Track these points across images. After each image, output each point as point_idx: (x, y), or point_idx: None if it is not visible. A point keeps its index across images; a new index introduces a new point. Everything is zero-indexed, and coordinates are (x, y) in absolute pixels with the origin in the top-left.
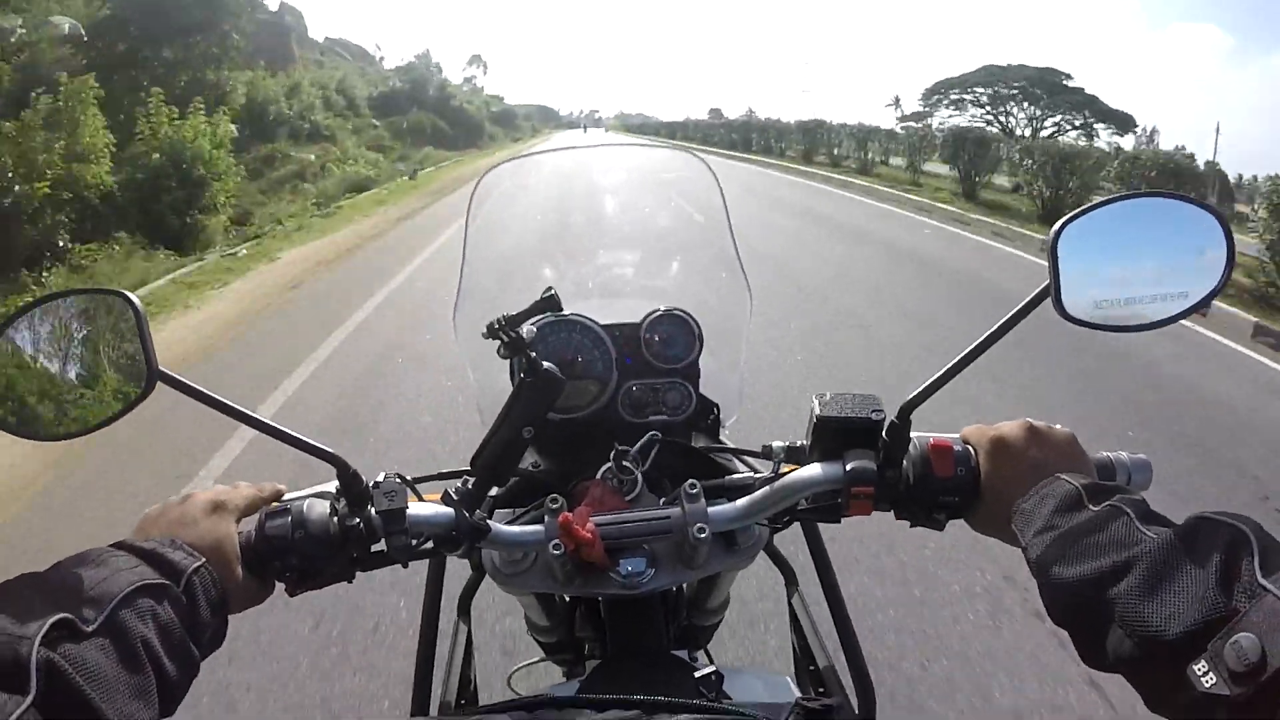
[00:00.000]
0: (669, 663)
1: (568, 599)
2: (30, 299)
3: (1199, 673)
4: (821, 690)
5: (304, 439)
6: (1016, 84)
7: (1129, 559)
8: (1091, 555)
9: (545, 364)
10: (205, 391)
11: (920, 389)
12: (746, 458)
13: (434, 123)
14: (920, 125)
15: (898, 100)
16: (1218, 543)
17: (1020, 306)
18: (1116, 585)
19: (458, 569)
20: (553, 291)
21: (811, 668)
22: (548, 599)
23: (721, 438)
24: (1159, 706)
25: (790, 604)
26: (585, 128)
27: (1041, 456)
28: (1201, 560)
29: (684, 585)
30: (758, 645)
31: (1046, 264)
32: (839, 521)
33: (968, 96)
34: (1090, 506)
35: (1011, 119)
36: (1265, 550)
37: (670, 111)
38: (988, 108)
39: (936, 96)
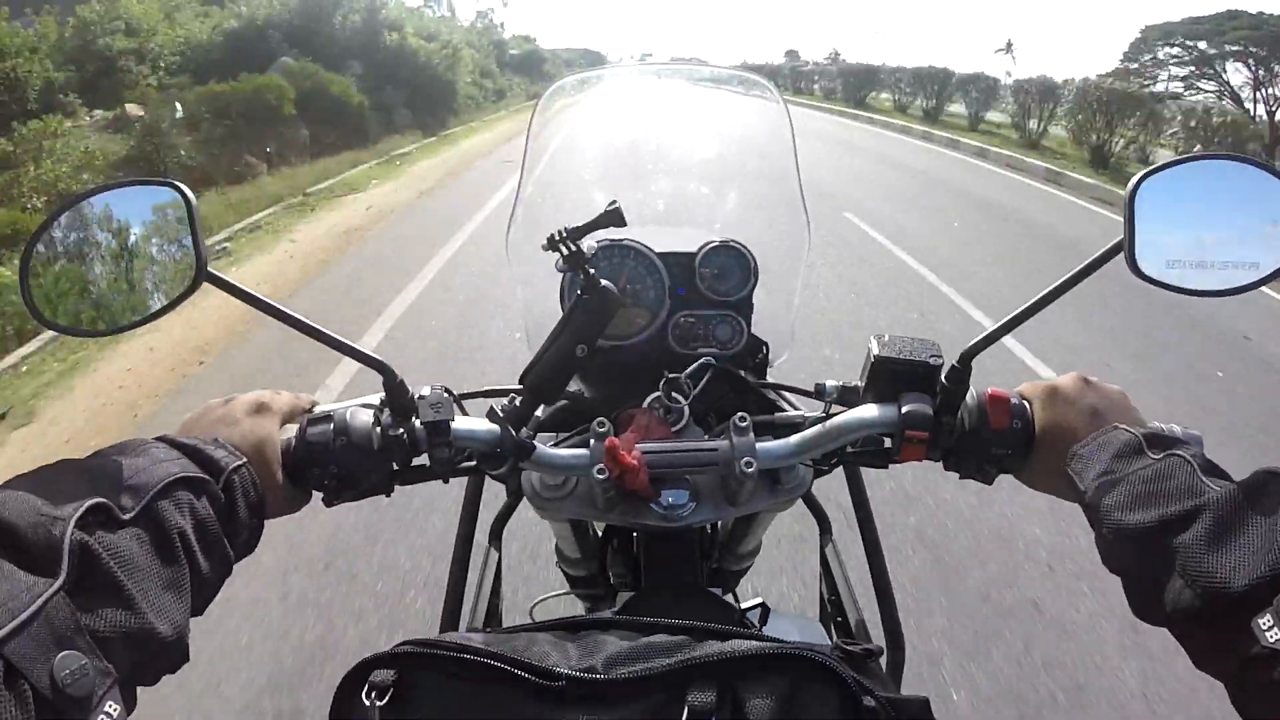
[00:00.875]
0: (705, 598)
1: (601, 532)
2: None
3: (1264, 627)
4: (850, 639)
5: (351, 345)
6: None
7: (1194, 508)
8: (1155, 503)
9: (604, 281)
10: (251, 292)
11: (982, 335)
12: (797, 397)
13: (337, 87)
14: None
15: (1010, 46)
16: None
17: (1093, 259)
18: (1181, 534)
19: (490, 497)
20: (616, 204)
21: (840, 619)
22: (582, 529)
23: (769, 376)
24: (1209, 664)
25: (823, 552)
26: None
27: (1097, 406)
28: (1268, 513)
29: (719, 526)
30: (779, 594)
31: (1122, 218)
32: (887, 467)
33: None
34: (1151, 454)
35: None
36: None
37: (728, 55)
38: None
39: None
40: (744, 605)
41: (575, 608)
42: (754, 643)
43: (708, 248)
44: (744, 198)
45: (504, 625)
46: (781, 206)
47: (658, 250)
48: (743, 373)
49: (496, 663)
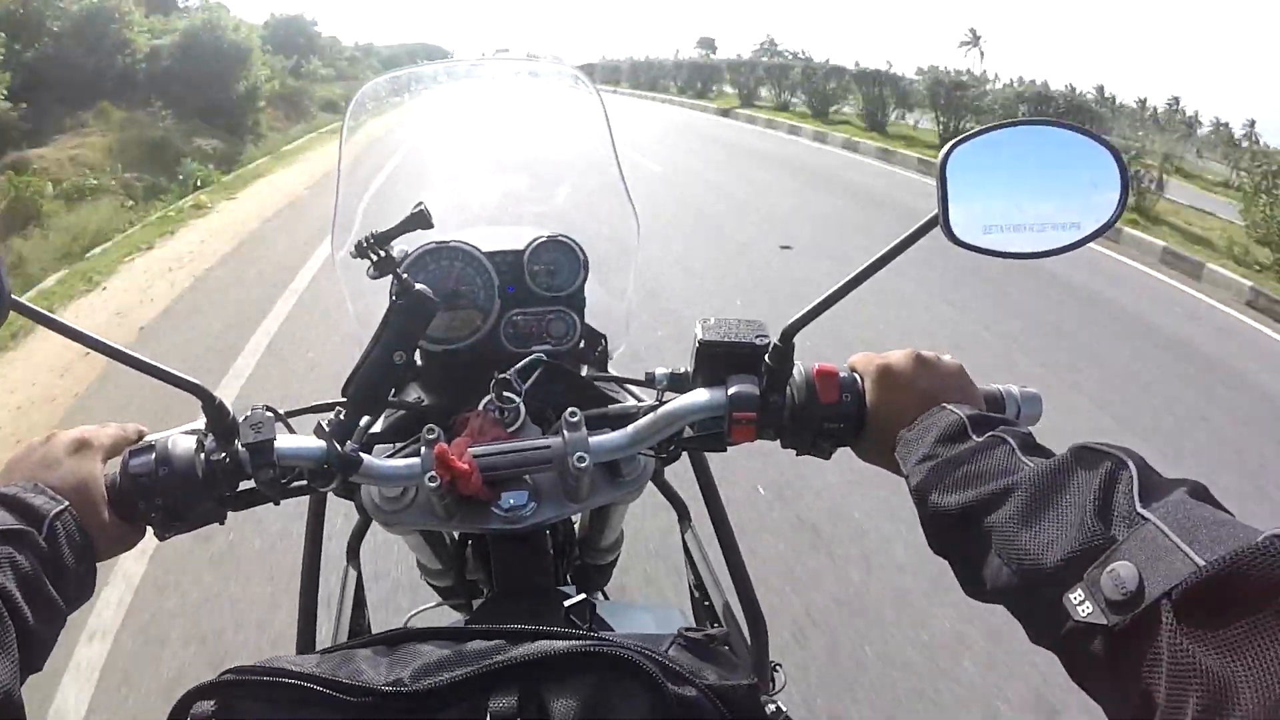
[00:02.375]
0: (551, 598)
1: (456, 539)
2: None
3: (1075, 601)
4: (717, 624)
5: (166, 369)
6: None
7: (1007, 487)
8: (971, 484)
9: (418, 285)
10: (59, 320)
11: (802, 312)
12: (631, 387)
13: None
14: None
15: (976, 38)
16: (1097, 471)
17: (909, 233)
18: (994, 514)
19: (350, 513)
20: (422, 206)
21: (707, 602)
22: (436, 539)
23: (610, 369)
24: (1040, 638)
25: (684, 539)
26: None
27: (928, 386)
28: (1080, 489)
29: (575, 522)
30: (660, 582)
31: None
32: (725, 450)
33: None
34: (973, 436)
35: None
36: (1145, 479)
37: (584, 52)
38: None
39: None
40: (568, 602)
41: (451, 617)
42: (562, 643)
43: (536, 243)
44: (571, 192)
45: None
46: (608, 198)
47: (485, 249)
48: (585, 366)
49: (309, 684)
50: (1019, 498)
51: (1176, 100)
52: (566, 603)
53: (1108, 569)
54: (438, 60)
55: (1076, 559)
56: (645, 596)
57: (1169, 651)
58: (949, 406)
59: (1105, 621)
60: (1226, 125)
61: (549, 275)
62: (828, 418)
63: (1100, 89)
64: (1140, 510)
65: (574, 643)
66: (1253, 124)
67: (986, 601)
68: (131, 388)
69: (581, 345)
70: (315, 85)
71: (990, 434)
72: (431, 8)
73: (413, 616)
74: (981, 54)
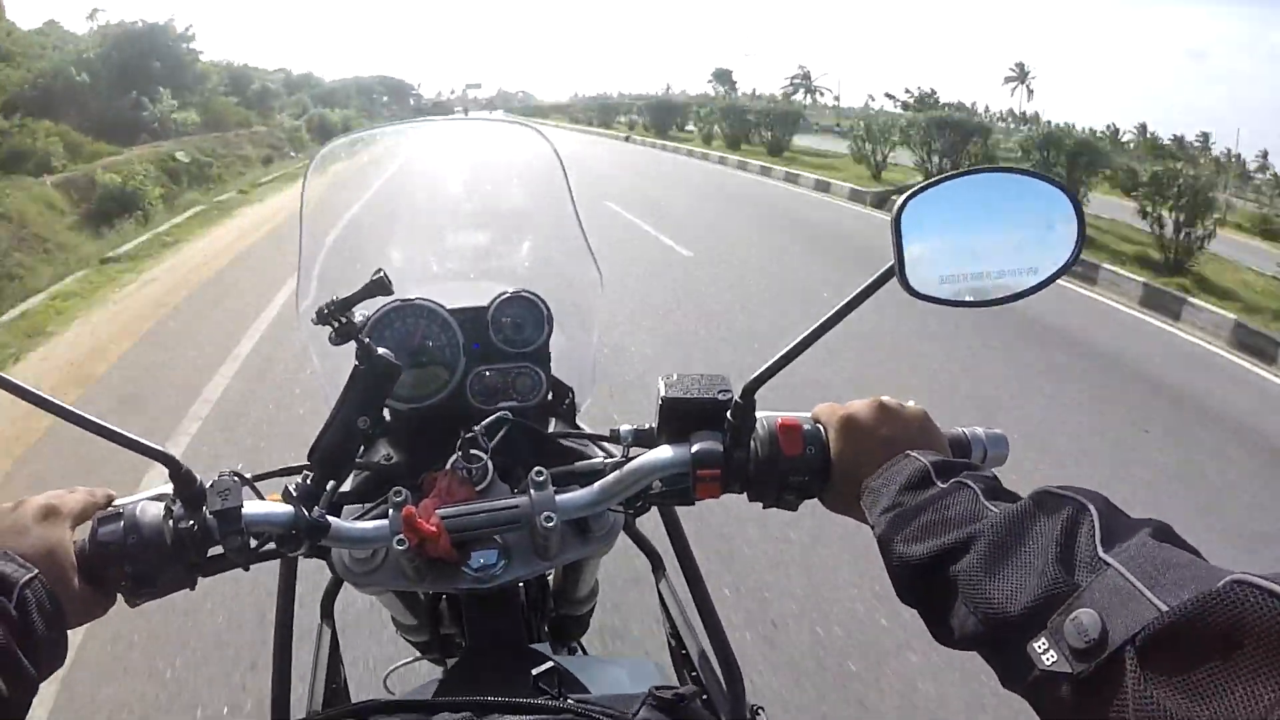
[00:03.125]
0: (524, 659)
1: (429, 595)
2: None
3: (1039, 650)
4: (694, 675)
5: (133, 437)
6: None
7: (971, 535)
8: (935, 532)
9: (380, 350)
10: (28, 388)
11: (763, 369)
12: (599, 443)
13: None
14: None
15: (1024, 74)
16: (1059, 516)
17: (865, 285)
18: (959, 562)
19: (321, 572)
20: (382, 273)
21: (684, 653)
22: (409, 597)
23: (578, 422)
24: (1010, 684)
25: (659, 589)
26: (466, 111)
27: (892, 434)
28: (1043, 535)
29: (548, 577)
30: (638, 634)
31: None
32: (693, 504)
33: None
34: (938, 483)
35: None
36: (1106, 524)
37: (553, 90)
38: None
39: None
40: (536, 670)
41: (430, 672)
42: (533, 716)
43: (500, 299)
44: (532, 247)
45: (352, 701)
46: (570, 252)
47: (449, 306)
48: (552, 420)
49: None
50: (982, 545)
51: (1206, 136)
52: (535, 670)
53: (1070, 616)
54: (394, 121)
55: (1040, 607)
56: (620, 648)
57: (1134, 699)
58: (913, 454)
59: (1070, 670)
60: (1239, 156)
61: (514, 330)
62: (792, 470)
63: (1142, 127)
64: (1102, 555)
65: (543, 717)
66: (1265, 155)
67: (957, 649)
68: None
69: (549, 398)
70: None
71: (954, 480)
72: (393, 40)
73: (390, 673)
74: (1030, 91)
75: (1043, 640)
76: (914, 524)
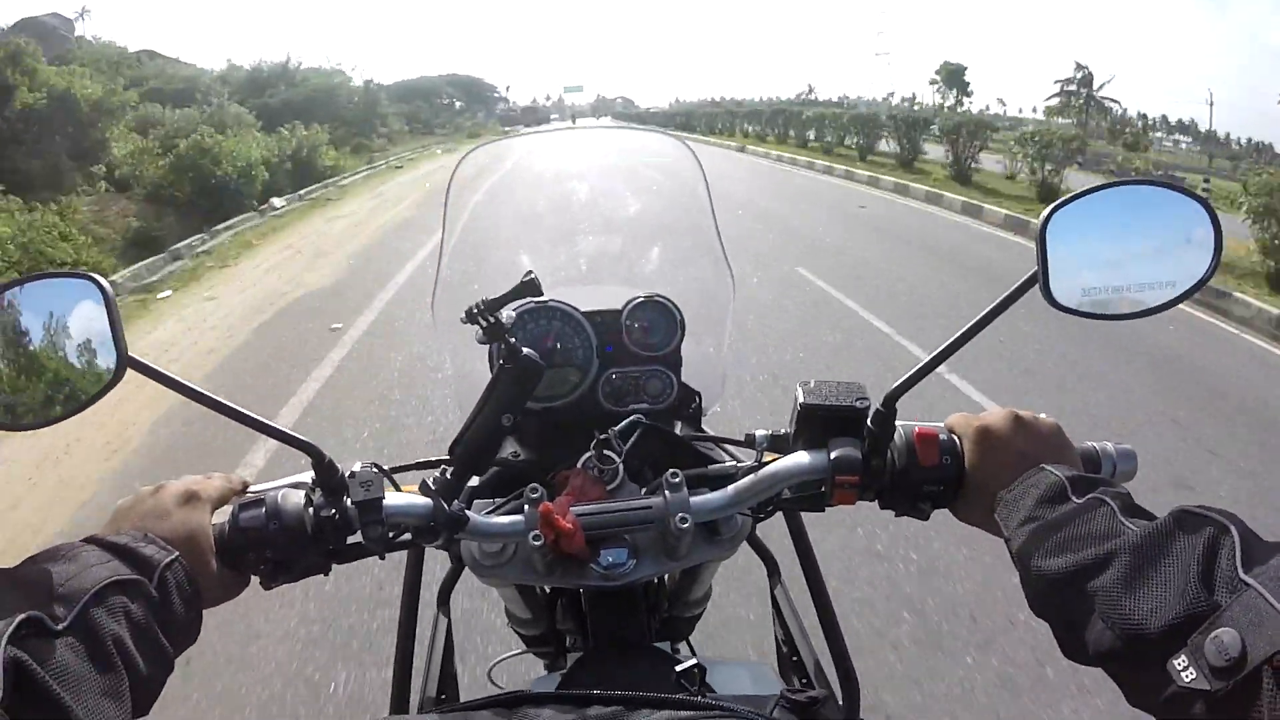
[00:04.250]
0: (651, 656)
1: (548, 590)
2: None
3: (1179, 668)
4: (805, 681)
5: (279, 428)
6: None
7: (1111, 551)
8: (1074, 547)
9: (525, 350)
10: (176, 378)
11: (905, 377)
12: (729, 446)
13: None
14: None
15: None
16: (1200, 536)
17: (1008, 293)
18: (1098, 578)
19: (437, 561)
20: (533, 275)
21: (795, 659)
22: (528, 591)
23: (704, 426)
24: (1139, 701)
25: (773, 594)
26: (573, 119)
27: (1026, 447)
28: (1183, 554)
29: (666, 576)
30: (741, 637)
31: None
32: (823, 510)
33: None
34: (1074, 498)
35: None
36: (1247, 544)
37: (652, 96)
38: None
39: None
40: (679, 667)
41: (534, 666)
42: (684, 712)
43: (634, 303)
44: (667, 252)
45: (459, 690)
46: (704, 258)
47: (583, 309)
48: (678, 423)
49: None
50: (1122, 562)
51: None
52: (679, 667)
53: (1211, 635)
54: (529, 127)
55: (1181, 625)
56: (734, 651)
57: (1269, 715)
58: (1048, 467)
59: (1208, 687)
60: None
61: (646, 334)
62: (927, 480)
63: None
64: (1243, 576)
65: (694, 713)
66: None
67: (1087, 664)
68: None
69: (678, 402)
70: None
71: (1091, 495)
72: (474, 39)
73: (496, 665)
74: (1211, 108)
75: (1183, 658)
76: (1052, 538)
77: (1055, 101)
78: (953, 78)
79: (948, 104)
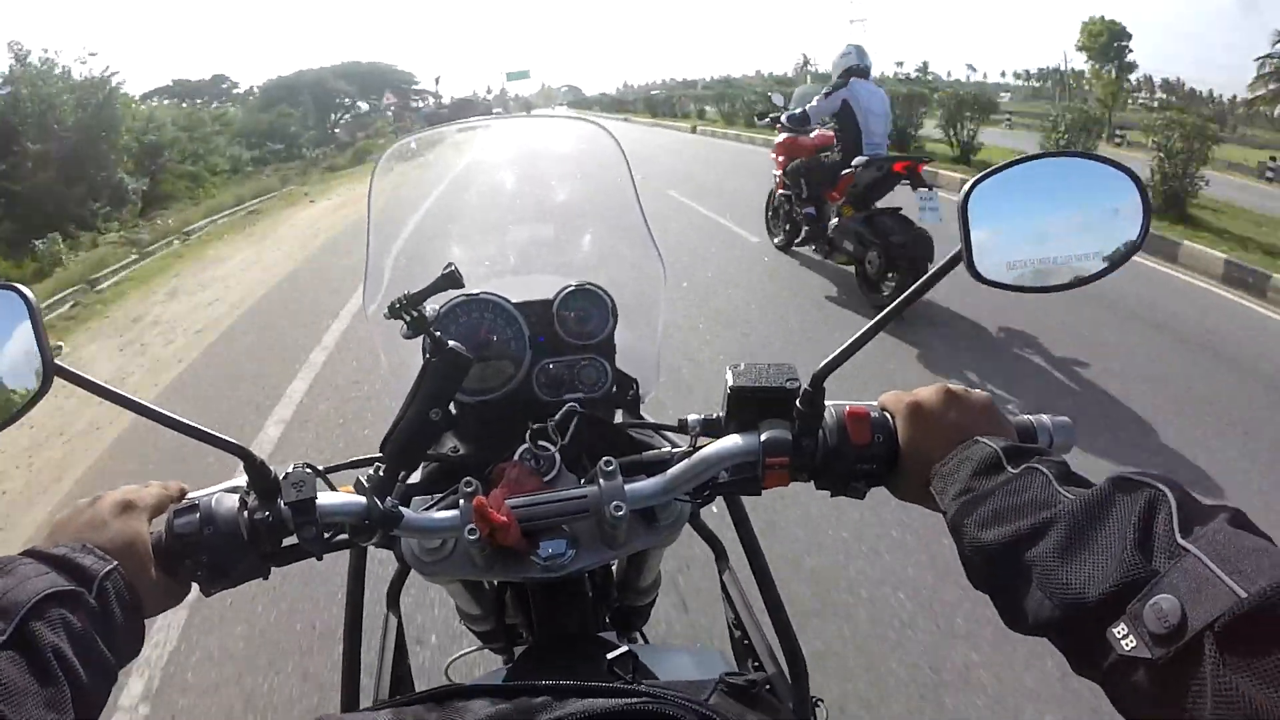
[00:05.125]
0: (592, 645)
1: (496, 585)
2: None
3: (1118, 636)
4: (757, 665)
5: (207, 431)
6: None
7: (1047, 520)
8: (1009, 518)
9: (450, 342)
10: (103, 385)
11: (831, 356)
12: (666, 432)
13: None
14: None
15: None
16: (1136, 503)
17: (932, 271)
18: (1034, 547)
19: (387, 561)
20: (453, 267)
21: (746, 642)
22: (475, 586)
23: (642, 413)
24: (1083, 670)
25: (721, 579)
26: (527, 109)
27: (959, 420)
28: (1120, 521)
29: (612, 566)
30: (698, 623)
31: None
32: (759, 494)
33: None
34: (1009, 468)
35: None
36: (1184, 510)
37: (598, 83)
38: None
39: None
40: (611, 654)
41: (491, 661)
42: (611, 700)
43: (565, 292)
44: (595, 239)
45: (415, 689)
46: (633, 243)
47: (514, 300)
48: (619, 411)
49: None
50: (1058, 531)
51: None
52: (609, 655)
53: (1150, 602)
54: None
55: (1119, 592)
56: (683, 638)
57: (1213, 683)
58: (982, 439)
59: (1149, 655)
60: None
61: (579, 323)
62: (861, 459)
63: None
64: (1181, 541)
65: (620, 700)
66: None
67: (1028, 634)
68: None
69: (614, 390)
70: None
71: (1026, 465)
72: (392, 29)
73: (453, 662)
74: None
75: (1122, 626)
76: (987, 509)
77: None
78: (1108, 46)
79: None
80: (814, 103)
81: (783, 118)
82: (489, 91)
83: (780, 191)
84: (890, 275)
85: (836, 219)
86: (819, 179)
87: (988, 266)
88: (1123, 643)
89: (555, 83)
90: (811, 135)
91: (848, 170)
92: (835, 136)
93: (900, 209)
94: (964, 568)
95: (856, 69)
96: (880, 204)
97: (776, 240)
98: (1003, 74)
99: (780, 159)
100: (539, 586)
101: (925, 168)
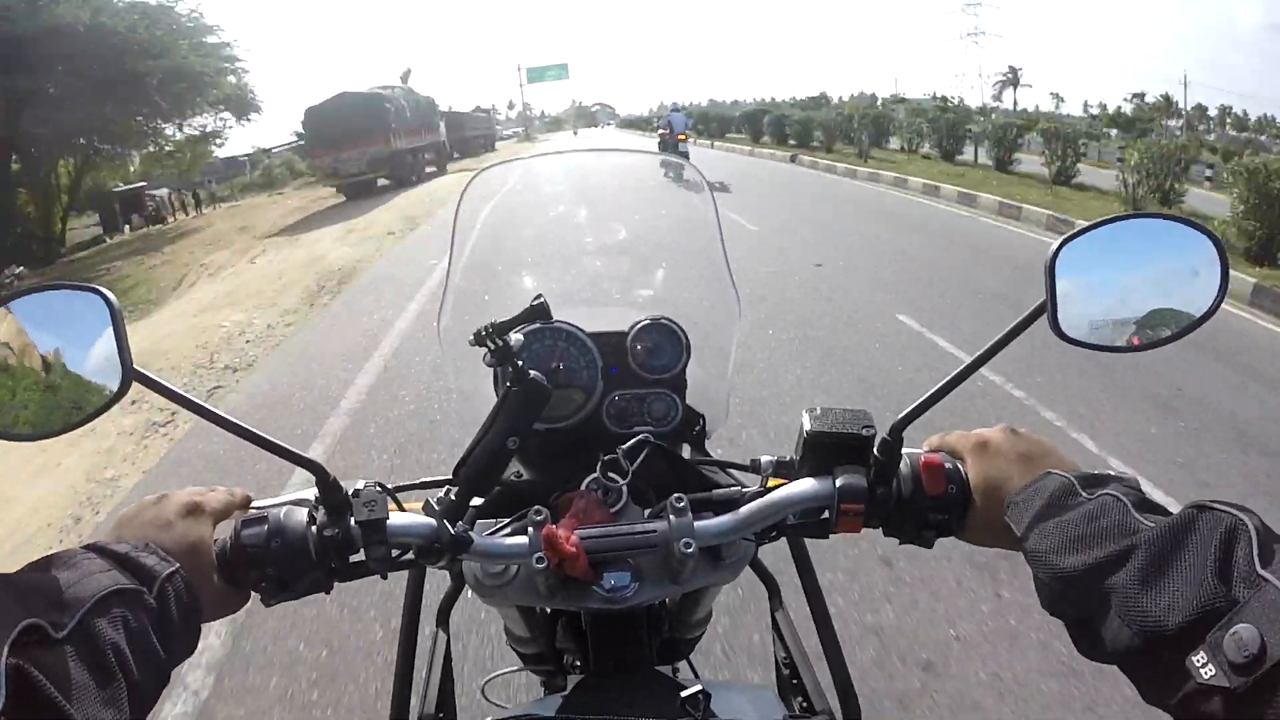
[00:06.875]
0: (652, 679)
1: (550, 610)
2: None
3: (1198, 664)
4: (806, 706)
5: (281, 444)
6: None
7: (1127, 548)
8: (1089, 544)
9: (532, 372)
10: (179, 392)
11: (911, 407)
12: (734, 471)
13: None
14: None
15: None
16: (1216, 531)
17: (1014, 324)
18: (1114, 575)
19: (437, 579)
20: (542, 299)
21: (795, 681)
22: (529, 610)
23: (708, 449)
24: (1155, 698)
25: (774, 616)
26: (574, 130)
27: (1028, 454)
28: (1200, 549)
29: (667, 599)
30: (742, 658)
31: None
32: (827, 537)
33: None
34: (1084, 494)
35: None
36: (1264, 540)
37: (633, 102)
38: None
39: None
40: (685, 693)
41: (528, 682)
42: None
43: (639, 326)
44: (672, 275)
45: (456, 707)
46: (710, 281)
47: (589, 330)
48: (685, 446)
49: None
50: (1139, 558)
51: None
52: (684, 693)
53: (1230, 631)
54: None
55: (1199, 621)
56: (731, 674)
57: None
58: (1054, 471)
59: (1228, 684)
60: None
61: (651, 357)
62: (934, 509)
63: None
64: (1261, 571)
65: None
66: None
67: (1104, 662)
68: None
69: (681, 425)
70: None
71: (1103, 492)
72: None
73: (489, 681)
74: None
75: (1201, 654)
76: (1064, 535)
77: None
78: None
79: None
80: None
81: None
82: (510, 106)
83: None
84: None
85: None
86: None
87: (1069, 323)
88: (1202, 671)
89: (588, 101)
90: None
91: None
92: None
93: None
94: (1038, 593)
95: None
96: None
97: None
98: (1085, 105)
99: None
100: (596, 616)
101: None
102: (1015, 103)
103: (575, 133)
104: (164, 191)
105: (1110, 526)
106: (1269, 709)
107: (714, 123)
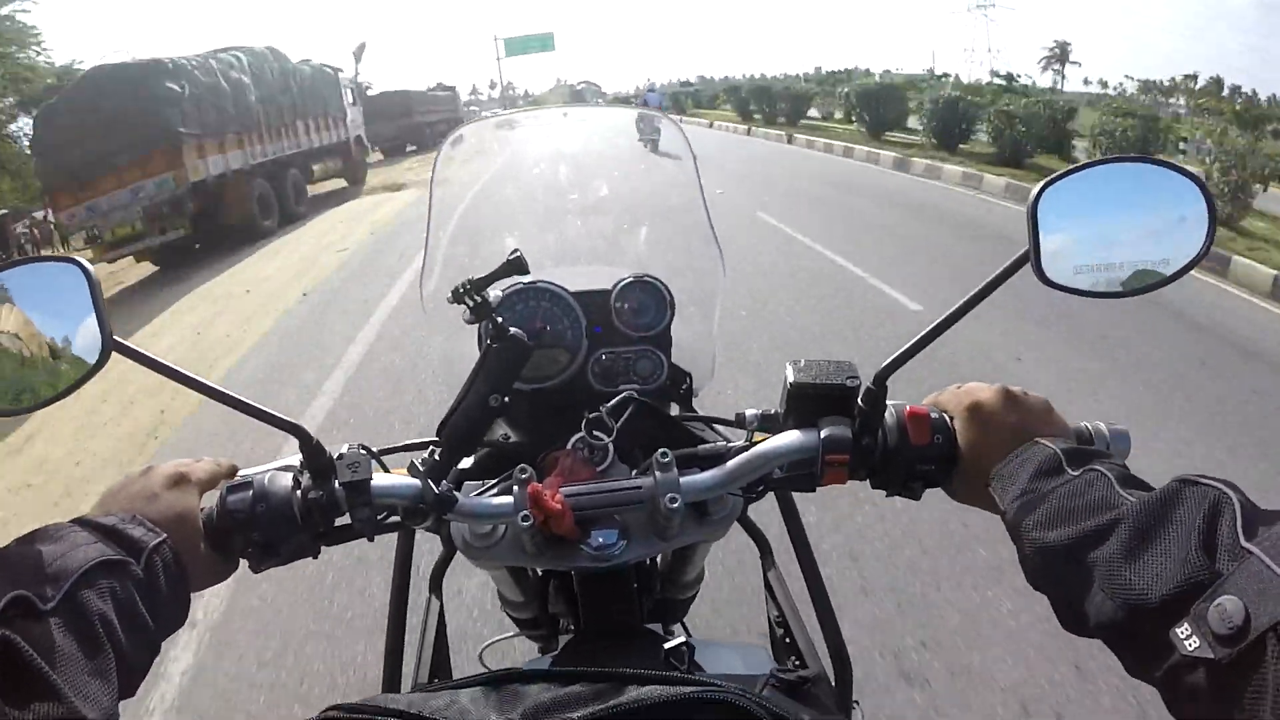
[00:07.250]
0: (641, 637)
1: (540, 573)
2: None
3: (1181, 636)
4: (798, 662)
5: (264, 409)
6: None
7: (1110, 522)
8: (1072, 519)
9: (512, 329)
10: (160, 361)
11: (894, 355)
12: (719, 426)
13: None
14: None
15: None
16: (1199, 505)
17: (998, 272)
18: (1098, 549)
19: (430, 546)
20: (518, 253)
21: (788, 640)
22: (520, 573)
23: (694, 407)
24: (1139, 672)
25: (765, 575)
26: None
27: (1019, 421)
28: (1183, 523)
29: (658, 558)
30: (736, 618)
31: (1026, 228)
32: (814, 490)
33: None
34: (1070, 470)
35: None
36: (1248, 513)
37: (617, 80)
38: None
39: None
40: (668, 645)
41: (525, 648)
42: (671, 688)
43: (623, 284)
44: (655, 232)
45: (452, 672)
46: (693, 237)
47: (572, 290)
48: (673, 404)
49: None
50: (1122, 532)
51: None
52: (666, 645)
53: (1214, 603)
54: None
55: (1183, 593)
56: (726, 633)
57: (1275, 683)
58: (1042, 441)
59: (1212, 655)
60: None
61: (635, 315)
62: (919, 459)
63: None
64: (1244, 543)
65: (683, 689)
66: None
67: (1087, 636)
68: None
69: (668, 383)
70: None
71: (1087, 468)
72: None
73: (486, 647)
74: None
75: (1185, 626)
76: (1048, 510)
77: None
78: None
79: None
80: None
81: None
82: (492, 86)
83: None
84: None
85: None
86: None
87: (1054, 270)
88: (1186, 643)
89: (573, 79)
90: None
91: None
92: None
93: None
94: (1022, 568)
95: None
96: None
97: None
98: (1085, 81)
99: None
100: (586, 576)
101: None
102: (1059, 81)
103: (565, 114)
104: None
105: (1094, 501)
106: (1253, 680)
107: (700, 98)
